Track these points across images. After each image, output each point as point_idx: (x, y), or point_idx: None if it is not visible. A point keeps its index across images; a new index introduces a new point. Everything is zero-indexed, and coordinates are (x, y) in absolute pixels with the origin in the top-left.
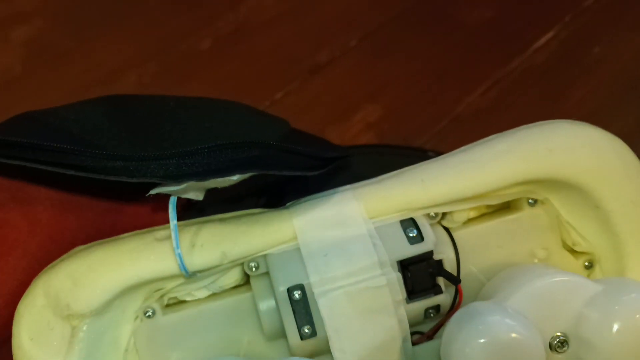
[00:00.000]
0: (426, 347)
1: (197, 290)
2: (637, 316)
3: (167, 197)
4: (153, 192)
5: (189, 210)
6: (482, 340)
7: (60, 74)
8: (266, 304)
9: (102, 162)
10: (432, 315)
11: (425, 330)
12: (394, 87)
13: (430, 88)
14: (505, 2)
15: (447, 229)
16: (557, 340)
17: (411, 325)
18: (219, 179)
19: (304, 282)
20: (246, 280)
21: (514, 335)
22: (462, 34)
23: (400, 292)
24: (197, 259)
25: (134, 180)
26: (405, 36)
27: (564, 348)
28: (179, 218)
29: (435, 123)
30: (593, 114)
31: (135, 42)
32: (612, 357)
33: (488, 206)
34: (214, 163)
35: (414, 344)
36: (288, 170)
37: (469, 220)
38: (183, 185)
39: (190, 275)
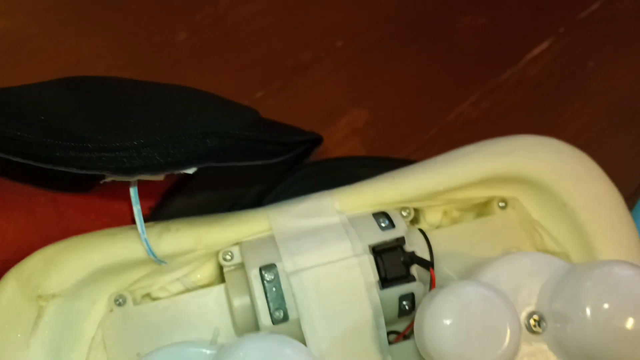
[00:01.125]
0: (403, 345)
1: (171, 285)
2: (609, 288)
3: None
4: (107, 180)
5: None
6: (452, 310)
7: (21, 61)
8: (239, 298)
9: (53, 152)
10: (406, 308)
11: (402, 330)
12: (382, 92)
13: (419, 95)
14: (498, 11)
15: (421, 231)
16: (532, 318)
17: (386, 319)
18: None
19: (277, 264)
20: (221, 280)
21: (486, 303)
22: (453, 41)
23: (373, 275)
24: (172, 242)
25: (84, 172)
26: (394, 40)
27: (541, 327)
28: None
29: (424, 131)
30: (586, 128)
31: (105, 32)
32: (590, 332)
33: (461, 214)
34: (168, 155)
35: (390, 343)
36: (248, 159)
37: (443, 226)
38: (136, 178)
39: (160, 261)
